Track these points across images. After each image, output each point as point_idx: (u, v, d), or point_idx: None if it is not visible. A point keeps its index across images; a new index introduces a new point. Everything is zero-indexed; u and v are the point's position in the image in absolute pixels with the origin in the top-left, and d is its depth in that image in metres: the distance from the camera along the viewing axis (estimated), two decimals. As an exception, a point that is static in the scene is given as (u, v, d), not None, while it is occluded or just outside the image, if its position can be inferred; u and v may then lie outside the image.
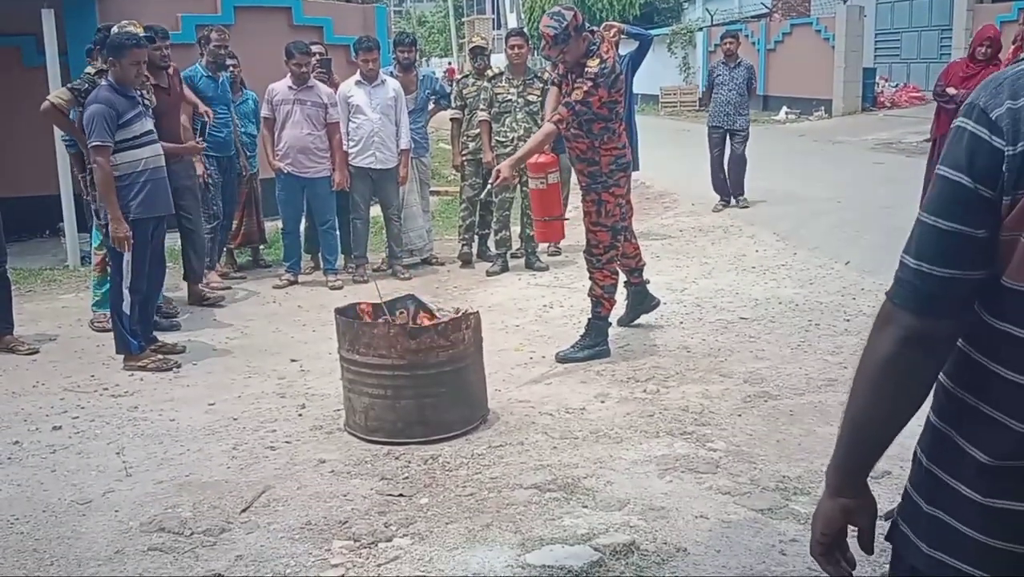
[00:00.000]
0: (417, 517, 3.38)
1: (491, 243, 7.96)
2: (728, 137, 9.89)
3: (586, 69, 4.86)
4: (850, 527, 1.45)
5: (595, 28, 5.02)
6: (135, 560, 3.15)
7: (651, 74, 19.85)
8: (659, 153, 11.73)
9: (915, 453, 1.42)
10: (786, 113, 19.77)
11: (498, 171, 5.04)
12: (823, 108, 19.42)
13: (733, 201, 9.99)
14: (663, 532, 3.20)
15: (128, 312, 5.24)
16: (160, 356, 5.41)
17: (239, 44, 7.74)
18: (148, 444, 4.21)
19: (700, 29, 25.82)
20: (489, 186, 5.40)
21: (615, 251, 5.23)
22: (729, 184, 10.00)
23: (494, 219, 7.70)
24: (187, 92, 6.65)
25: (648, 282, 5.79)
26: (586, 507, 3.41)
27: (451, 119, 7.99)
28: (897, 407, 1.33)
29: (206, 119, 6.78)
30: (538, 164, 5.17)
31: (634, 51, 7.72)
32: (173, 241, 6.55)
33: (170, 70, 6.53)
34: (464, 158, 7.84)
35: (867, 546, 1.44)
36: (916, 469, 1.41)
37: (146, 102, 5.87)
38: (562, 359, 5.18)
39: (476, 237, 8.00)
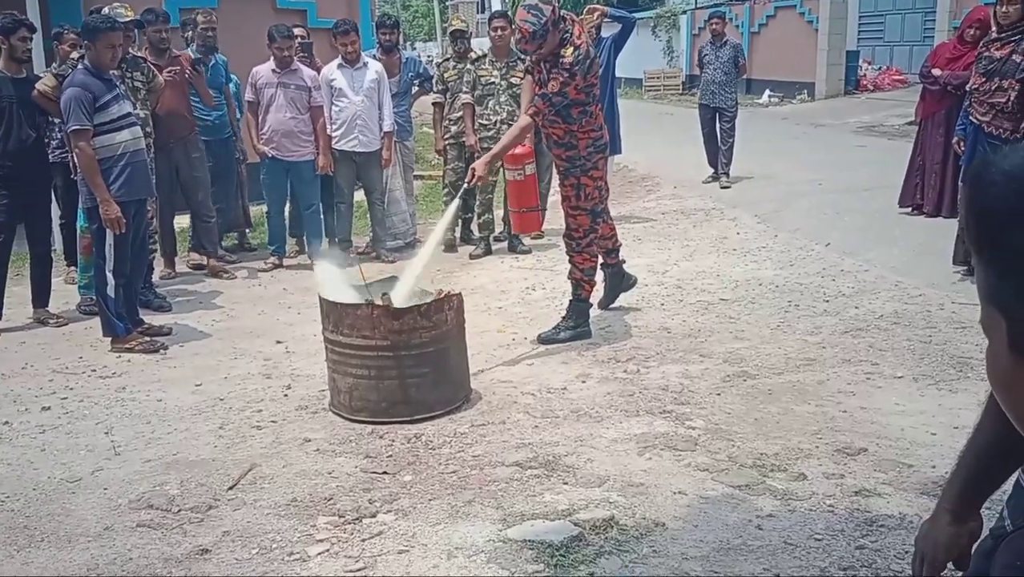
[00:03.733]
0: (401, 494, 3.44)
1: (474, 227, 8.01)
2: (717, 117, 10.03)
3: (561, 59, 4.80)
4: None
5: (566, 15, 4.94)
6: (124, 536, 3.21)
7: (635, 57, 19.82)
8: (642, 137, 11.75)
9: None
10: (769, 96, 19.80)
11: (473, 170, 4.99)
12: (806, 91, 19.47)
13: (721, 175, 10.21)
14: (642, 508, 3.26)
15: (113, 295, 5.26)
16: (147, 338, 5.44)
17: (222, 28, 7.72)
18: (136, 424, 4.26)
19: (684, 12, 25.71)
20: (466, 185, 5.37)
21: (595, 234, 5.25)
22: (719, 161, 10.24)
23: (476, 203, 7.73)
24: (200, 82, 6.78)
25: (624, 261, 5.81)
26: (567, 484, 3.47)
27: (433, 103, 8.00)
28: None
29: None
30: (515, 156, 5.15)
31: (617, 34, 7.73)
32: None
33: (171, 53, 6.58)
34: (447, 142, 7.84)
35: (967, 563, 1.43)
36: None
37: (137, 83, 5.88)
38: (544, 340, 5.23)
39: (459, 221, 8.03)
